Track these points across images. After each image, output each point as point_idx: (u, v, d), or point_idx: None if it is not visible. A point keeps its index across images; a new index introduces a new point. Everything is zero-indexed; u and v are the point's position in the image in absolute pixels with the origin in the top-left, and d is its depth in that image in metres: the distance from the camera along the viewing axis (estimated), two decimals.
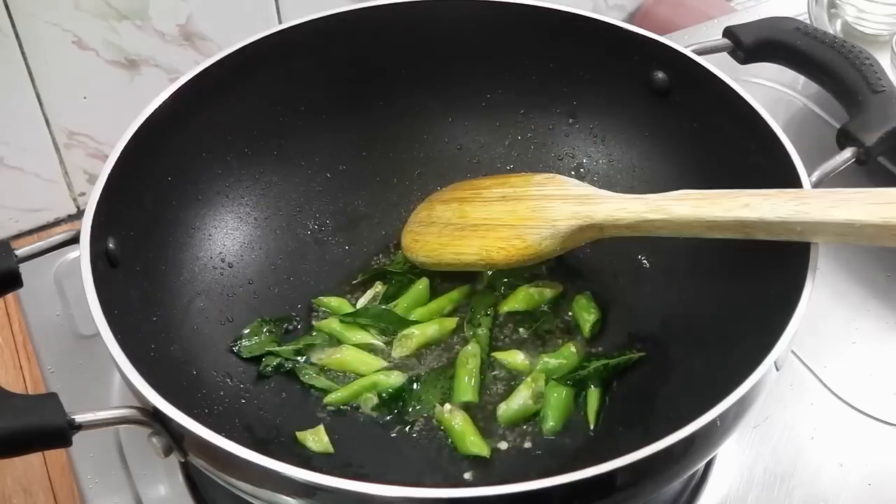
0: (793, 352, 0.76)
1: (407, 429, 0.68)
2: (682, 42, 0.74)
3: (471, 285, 0.76)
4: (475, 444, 0.66)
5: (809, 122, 0.95)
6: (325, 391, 0.70)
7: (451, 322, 0.74)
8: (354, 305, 0.76)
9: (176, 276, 0.71)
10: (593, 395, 0.68)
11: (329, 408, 0.69)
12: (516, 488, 0.50)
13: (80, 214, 0.85)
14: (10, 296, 0.65)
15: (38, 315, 0.81)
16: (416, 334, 0.72)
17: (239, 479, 0.54)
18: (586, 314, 0.73)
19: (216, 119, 0.74)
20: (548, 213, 0.69)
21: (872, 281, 0.82)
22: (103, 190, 0.63)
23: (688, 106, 0.73)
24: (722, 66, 0.72)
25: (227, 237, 0.75)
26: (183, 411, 0.52)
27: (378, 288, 0.76)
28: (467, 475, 0.65)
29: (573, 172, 0.80)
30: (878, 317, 0.80)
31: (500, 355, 0.72)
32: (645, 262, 0.76)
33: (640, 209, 0.65)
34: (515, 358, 0.71)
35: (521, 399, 0.68)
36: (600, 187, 0.70)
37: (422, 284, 0.75)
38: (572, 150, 0.81)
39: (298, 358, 0.72)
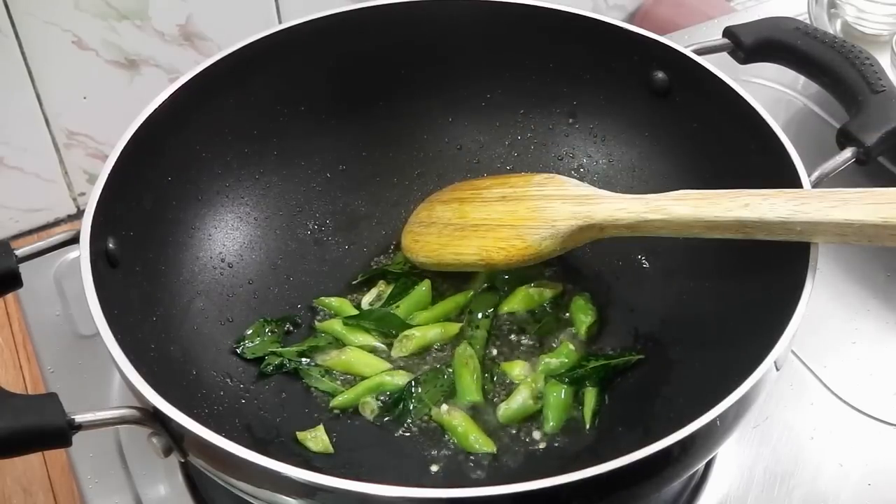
0: (793, 352, 0.76)
1: (407, 429, 0.68)
2: (682, 42, 0.74)
3: (475, 288, 0.76)
4: (480, 441, 0.66)
5: (809, 122, 0.95)
6: (331, 394, 0.70)
7: (455, 327, 0.73)
8: (356, 306, 0.76)
9: (176, 276, 0.71)
10: (590, 395, 0.68)
11: (335, 411, 0.69)
12: (516, 488, 0.50)
13: (80, 214, 0.85)
14: (10, 296, 0.65)
15: (38, 315, 0.81)
16: (417, 336, 0.72)
17: (239, 479, 0.54)
18: (583, 315, 0.73)
19: (216, 119, 0.74)
20: (547, 213, 0.69)
21: (872, 281, 0.82)
22: (103, 190, 0.63)
23: (688, 106, 0.73)
24: (722, 66, 0.72)
25: (227, 237, 0.75)
26: (183, 411, 0.52)
27: (381, 287, 0.76)
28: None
29: (573, 172, 0.80)
30: (878, 317, 0.80)
31: (503, 367, 0.71)
32: (645, 262, 0.76)
33: (640, 209, 0.65)
34: (516, 370, 0.71)
35: (521, 398, 0.68)
36: (600, 187, 0.70)
37: (424, 286, 0.75)
38: (572, 150, 0.81)
39: (302, 360, 0.72)
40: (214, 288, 0.73)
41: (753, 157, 0.67)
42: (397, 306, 0.74)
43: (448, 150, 0.83)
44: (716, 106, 0.71)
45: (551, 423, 0.67)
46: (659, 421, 0.63)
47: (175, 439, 0.54)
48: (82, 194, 0.98)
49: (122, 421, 0.53)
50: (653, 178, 0.76)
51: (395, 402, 0.69)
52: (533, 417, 0.68)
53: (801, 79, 0.87)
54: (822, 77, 0.73)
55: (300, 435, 0.67)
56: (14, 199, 0.95)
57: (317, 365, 0.72)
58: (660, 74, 0.74)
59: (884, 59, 0.85)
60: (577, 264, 0.77)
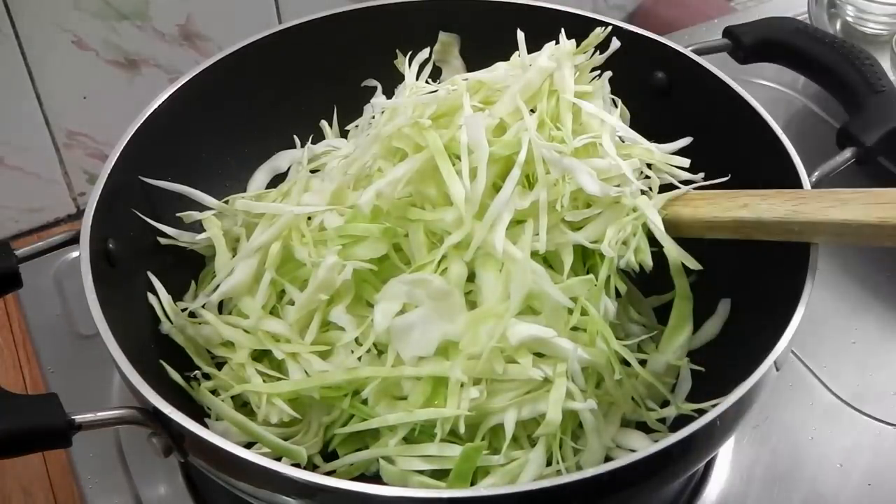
0: (793, 352, 0.76)
1: None
2: (682, 42, 0.74)
3: None
4: None
5: (809, 122, 0.95)
6: None
7: None
8: None
9: (176, 275, 0.70)
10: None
11: None
12: (517, 488, 0.50)
13: (80, 214, 0.85)
14: (10, 296, 0.65)
15: (38, 315, 0.81)
16: None
17: (239, 479, 0.54)
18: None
19: (216, 119, 0.74)
20: None
21: (872, 281, 0.82)
22: (103, 190, 0.63)
23: (688, 106, 0.73)
24: (722, 67, 0.72)
25: None
26: (182, 412, 0.52)
27: None
28: None
29: None
30: (878, 317, 0.80)
31: None
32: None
33: None
34: None
35: None
36: None
37: None
38: None
39: None
40: None
41: (753, 157, 0.67)
42: None
43: None
44: (716, 106, 0.71)
45: None
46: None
47: (175, 439, 0.54)
48: (82, 194, 0.98)
49: (122, 421, 0.53)
50: None
51: None
52: None
53: (801, 79, 0.87)
54: (822, 77, 0.73)
55: None
56: (14, 199, 0.95)
57: None
58: (660, 74, 0.74)
59: (884, 59, 0.85)
60: None
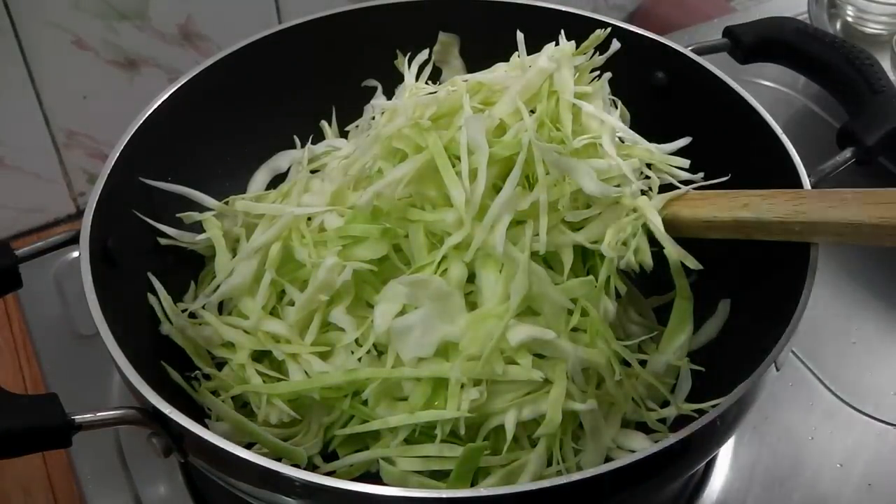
0: (793, 352, 0.76)
1: None
2: (682, 42, 0.74)
3: None
4: None
5: (809, 122, 0.95)
6: None
7: None
8: None
9: (176, 276, 0.70)
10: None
11: None
12: (517, 488, 0.50)
13: (80, 214, 0.85)
14: (10, 296, 0.65)
15: (38, 315, 0.81)
16: None
17: (239, 479, 0.54)
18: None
19: (216, 119, 0.74)
20: None
21: (872, 281, 0.82)
22: (103, 190, 0.63)
23: (687, 106, 0.73)
24: (722, 67, 0.72)
25: None
26: (183, 412, 0.52)
27: None
28: None
29: None
30: (878, 317, 0.80)
31: None
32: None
33: None
34: None
35: None
36: None
37: None
38: None
39: None
40: None
41: (753, 156, 0.67)
42: None
43: None
44: (716, 106, 0.71)
45: None
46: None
47: (175, 440, 0.54)
48: (82, 194, 0.98)
49: (122, 421, 0.53)
50: None
51: None
52: None
53: (801, 79, 0.87)
54: (823, 77, 0.73)
55: None
56: (14, 199, 0.95)
57: None
58: (660, 74, 0.75)
59: (884, 59, 0.85)
60: None
